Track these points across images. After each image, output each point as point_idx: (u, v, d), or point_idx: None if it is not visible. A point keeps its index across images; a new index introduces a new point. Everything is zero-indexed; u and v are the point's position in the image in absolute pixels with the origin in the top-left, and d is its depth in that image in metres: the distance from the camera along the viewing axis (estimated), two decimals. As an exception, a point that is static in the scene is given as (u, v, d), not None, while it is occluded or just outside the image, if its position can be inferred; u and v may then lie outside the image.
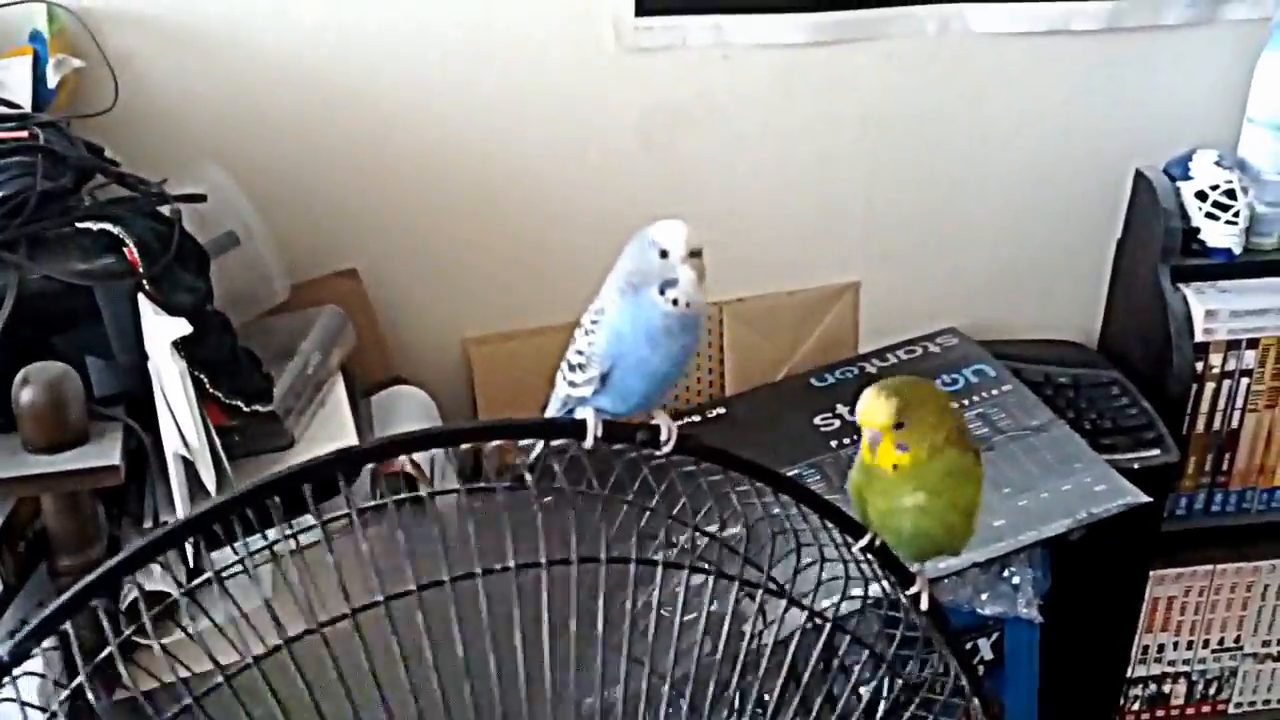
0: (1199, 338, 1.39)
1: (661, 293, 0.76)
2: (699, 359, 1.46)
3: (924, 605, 0.87)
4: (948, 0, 1.36)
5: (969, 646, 1.32)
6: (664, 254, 0.75)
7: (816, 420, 1.36)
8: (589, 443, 0.77)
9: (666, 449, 0.80)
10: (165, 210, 1.03)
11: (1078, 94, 1.45)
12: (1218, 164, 1.41)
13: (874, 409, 0.80)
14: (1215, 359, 1.41)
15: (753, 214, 1.43)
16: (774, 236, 1.45)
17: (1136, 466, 1.30)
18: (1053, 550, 1.23)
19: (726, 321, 1.45)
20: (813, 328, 1.49)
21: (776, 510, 0.87)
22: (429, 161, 1.31)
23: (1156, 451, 1.35)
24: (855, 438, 1.30)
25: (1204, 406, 1.43)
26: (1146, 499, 1.21)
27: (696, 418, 1.39)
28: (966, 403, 1.34)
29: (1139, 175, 1.46)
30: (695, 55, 1.33)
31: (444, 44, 1.27)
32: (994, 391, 1.35)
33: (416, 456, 1.01)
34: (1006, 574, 1.22)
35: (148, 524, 1.02)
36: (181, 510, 0.95)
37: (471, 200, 1.34)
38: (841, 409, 1.36)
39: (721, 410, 1.41)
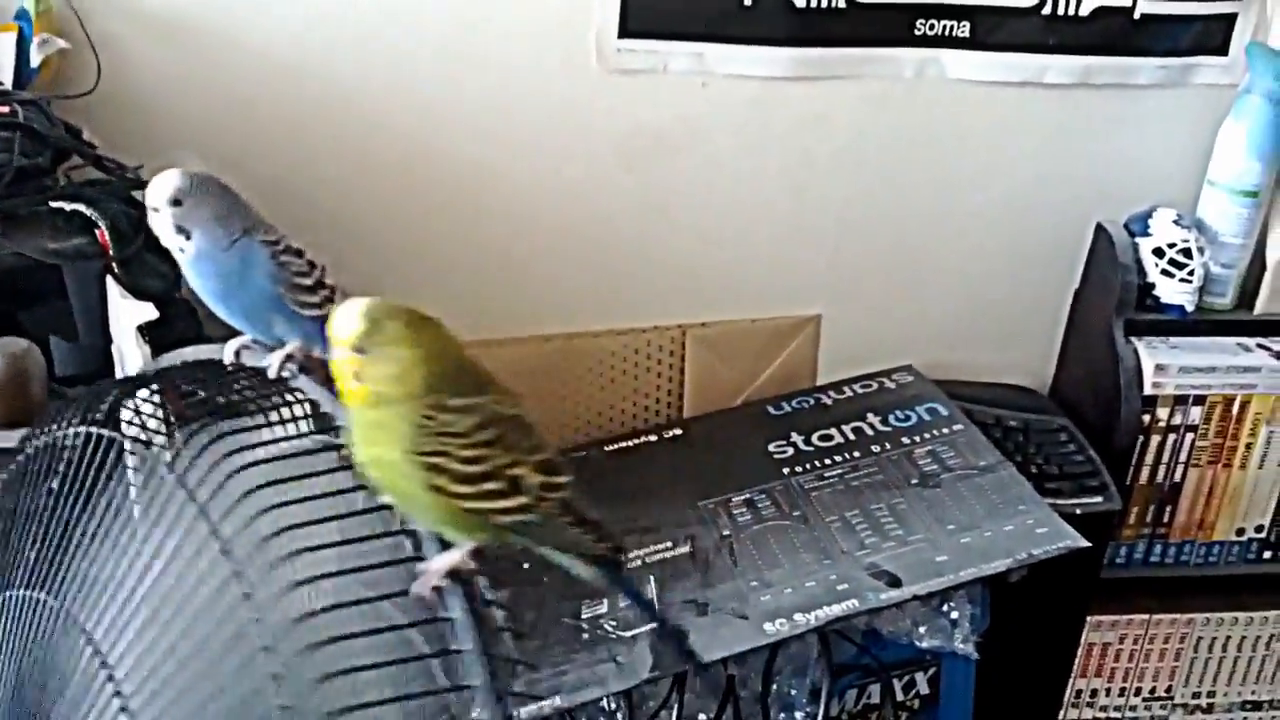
0: (1148, 390, 1.46)
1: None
2: (659, 380, 1.52)
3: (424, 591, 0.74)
4: (927, 45, 1.43)
5: (905, 680, 1.38)
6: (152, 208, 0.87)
7: (770, 447, 1.41)
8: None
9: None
10: (139, 195, 1.07)
11: (1047, 145, 1.52)
12: (1176, 223, 1.48)
13: (341, 321, 0.72)
14: (1162, 413, 1.47)
15: (722, 240, 1.49)
16: (741, 264, 1.51)
17: (1079, 512, 1.35)
18: (993, 589, 1.28)
19: (689, 344, 1.51)
20: (773, 356, 1.55)
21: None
22: (408, 166, 1.36)
23: (1099, 499, 1.41)
24: (809, 466, 1.38)
25: (1149, 458, 1.50)
26: (1086, 544, 1.25)
27: (653, 436, 1.46)
28: (918, 439, 1.40)
29: (1100, 228, 1.53)
30: (676, 80, 1.38)
31: (430, 47, 1.31)
32: (945, 430, 1.41)
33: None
34: (946, 609, 1.28)
35: (101, 505, 1.05)
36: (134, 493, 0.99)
37: (449, 208, 1.39)
38: (796, 437, 1.42)
39: (678, 431, 1.47)
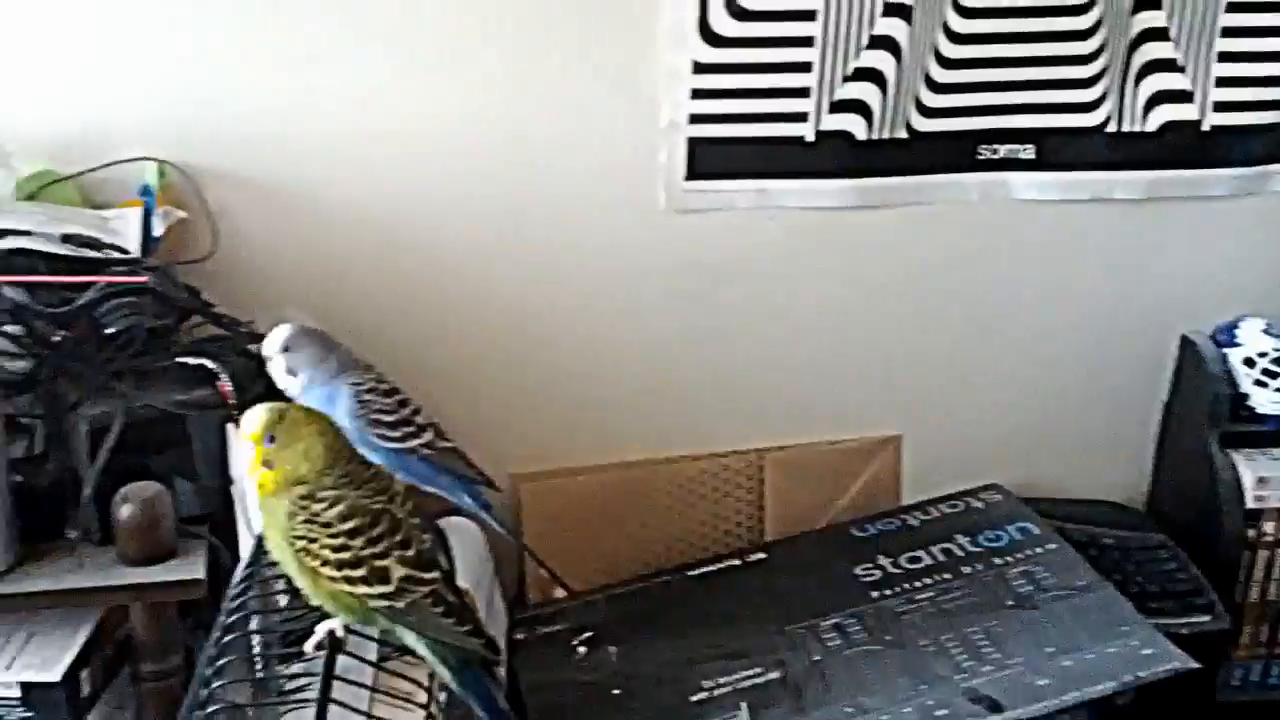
0: (1250, 504, 1.46)
1: None
2: (739, 504, 1.57)
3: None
4: (991, 169, 1.49)
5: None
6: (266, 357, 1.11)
7: (857, 570, 1.44)
8: None
9: None
10: (254, 348, 1.19)
11: (1120, 259, 1.56)
12: (1266, 331, 1.50)
13: (251, 417, 0.87)
14: (1268, 526, 1.47)
15: (795, 365, 1.55)
16: (817, 387, 1.56)
17: (1185, 632, 1.34)
18: (1099, 714, 1.26)
19: (768, 468, 1.56)
20: (854, 478, 1.59)
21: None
22: (487, 304, 1.46)
23: (1207, 618, 1.40)
24: (898, 589, 1.41)
25: (1256, 574, 1.49)
26: (1196, 665, 1.23)
27: (736, 560, 1.49)
28: (1010, 559, 1.41)
29: (1185, 341, 1.55)
30: (742, 216, 1.47)
31: (507, 197, 1.43)
32: (1038, 550, 1.42)
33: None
34: (1050, 734, 1.26)
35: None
36: (255, 623, 1.09)
37: (524, 342, 1.49)
38: (883, 560, 1.44)
39: (761, 555, 1.51)
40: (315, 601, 0.89)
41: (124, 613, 1.12)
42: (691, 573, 1.49)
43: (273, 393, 1.18)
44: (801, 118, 1.43)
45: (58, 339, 1.14)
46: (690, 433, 1.55)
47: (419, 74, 1.37)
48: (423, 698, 0.91)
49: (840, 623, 1.35)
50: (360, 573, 0.86)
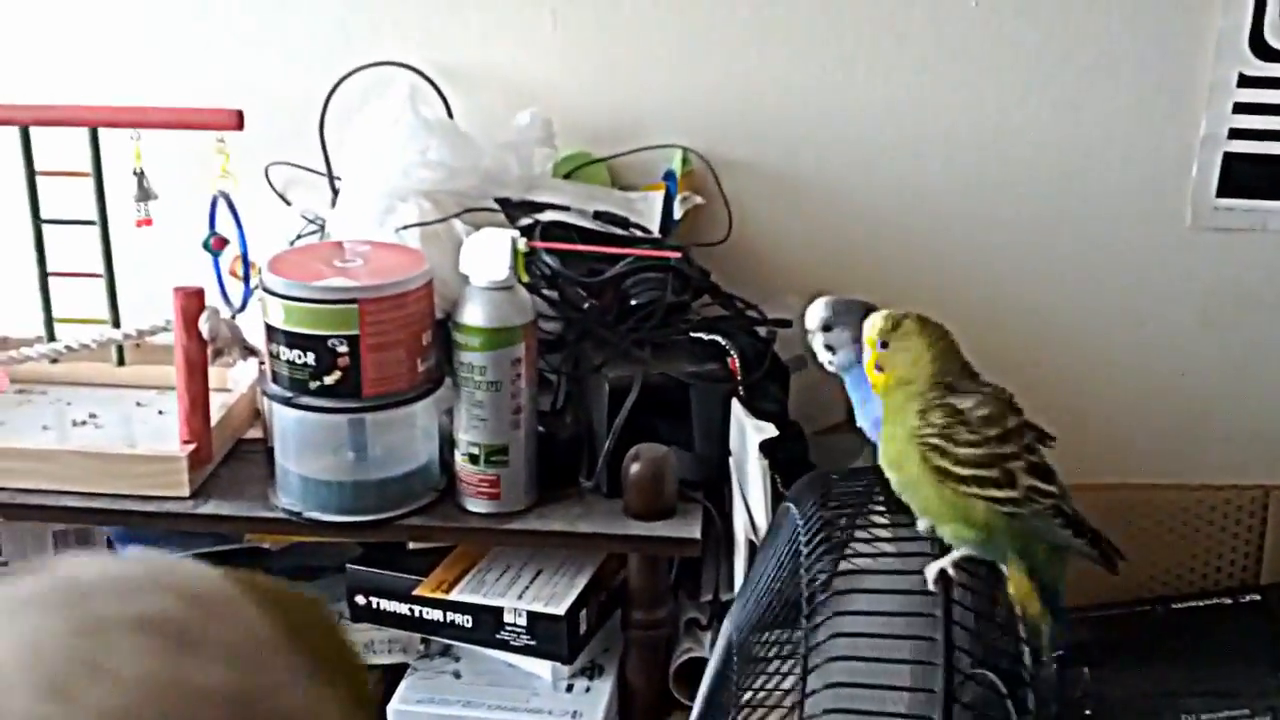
0: None
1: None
2: (1234, 540, 1.51)
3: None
4: None
5: None
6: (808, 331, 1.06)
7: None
8: None
9: None
10: (761, 331, 1.28)
11: None
12: None
13: (869, 322, 0.91)
14: None
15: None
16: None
17: None
18: None
19: (1271, 506, 1.49)
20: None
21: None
22: (1000, 313, 1.48)
23: None
24: None
25: None
26: None
27: (1226, 599, 1.44)
28: None
29: None
30: (1274, 239, 1.41)
31: (1022, 204, 1.44)
32: None
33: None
34: None
35: (706, 597, 1.25)
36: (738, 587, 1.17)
37: (1030, 350, 1.48)
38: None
39: (1255, 597, 1.44)
40: (924, 520, 0.93)
41: (622, 561, 1.24)
42: (1175, 605, 1.46)
43: (775, 372, 1.26)
44: (1346, 139, 1.35)
45: (586, 306, 1.28)
46: (1186, 461, 1.50)
47: (950, 81, 1.40)
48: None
49: (1333, 676, 1.28)
50: (993, 474, 0.87)
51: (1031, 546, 0.89)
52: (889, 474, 0.93)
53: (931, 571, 0.90)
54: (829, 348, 1.06)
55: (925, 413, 0.89)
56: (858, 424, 1.07)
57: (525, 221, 1.30)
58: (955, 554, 0.90)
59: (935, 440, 0.88)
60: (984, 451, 0.87)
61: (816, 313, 1.06)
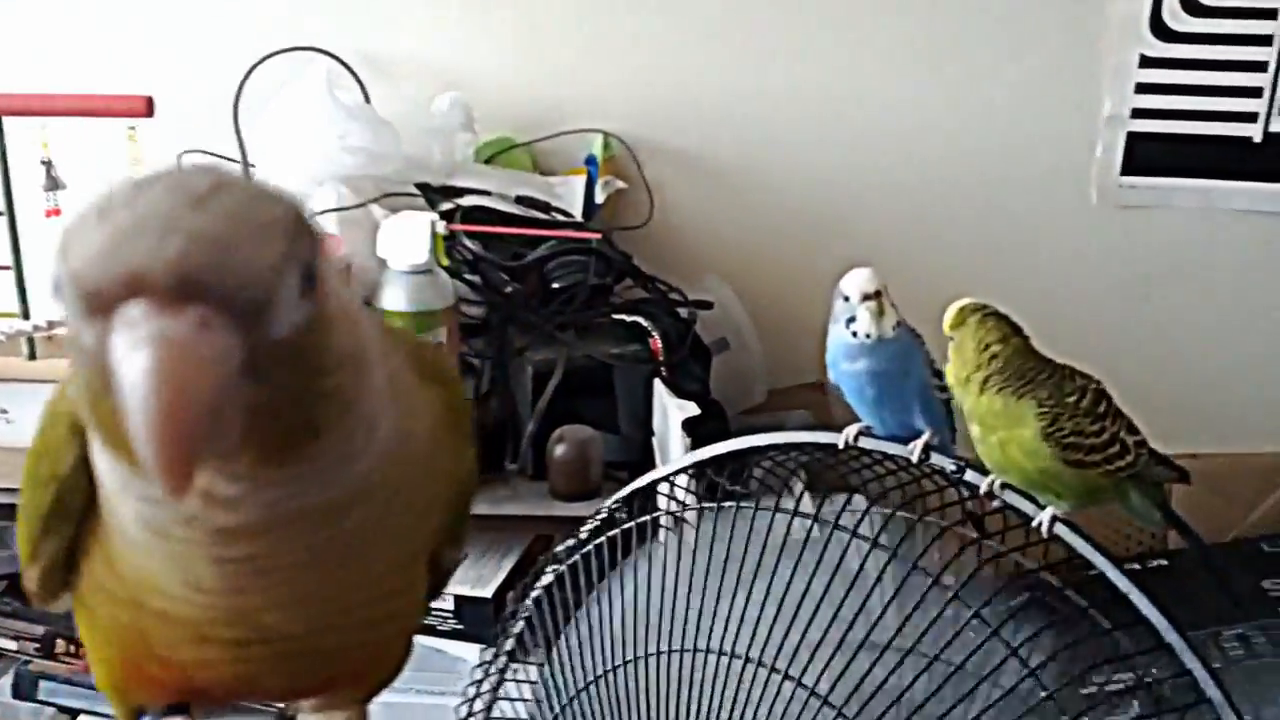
0: None
1: (846, 327, 0.95)
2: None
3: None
4: None
5: None
6: (846, 298, 0.96)
7: (1265, 584, 1.41)
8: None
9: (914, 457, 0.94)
10: (682, 312, 1.30)
11: None
12: None
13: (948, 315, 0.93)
14: None
15: (1225, 373, 1.53)
16: (1245, 397, 1.54)
17: None
18: None
19: (1176, 476, 1.54)
20: (1269, 492, 1.54)
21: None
22: (900, 289, 1.44)
23: None
24: (1310, 609, 1.37)
25: None
26: None
27: (1136, 565, 1.49)
28: None
29: None
30: (1179, 215, 1.47)
31: (930, 185, 1.49)
32: None
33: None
34: None
35: (633, 576, 1.27)
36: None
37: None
38: (1294, 580, 1.41)
39: (1163, 561, 1.50)
40: (1053, 505, 0.94)
41: (548, 543, 1.25)
42: (1089, 573, 1.50)
43: (697, 353, 1.29)
44: (1250, 118, 1.42)
45: (509, 290, 1.29)
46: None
47: (860, 66, 1.44)
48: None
49: (1244, 633, 1.34)
50: (1115, 449, 0.94)
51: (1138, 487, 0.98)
52: (1001, 471, 0.94)
53: (1045, 517, 0.93)
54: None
55: (1044, 416, 0.93)
56: (874, 399, 0.98)
57: (446, 206, 1.31)
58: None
59: (1071, 439, 0.93)
60: (1107, 437, 0.94)
61: (861, 281, 0.96)
